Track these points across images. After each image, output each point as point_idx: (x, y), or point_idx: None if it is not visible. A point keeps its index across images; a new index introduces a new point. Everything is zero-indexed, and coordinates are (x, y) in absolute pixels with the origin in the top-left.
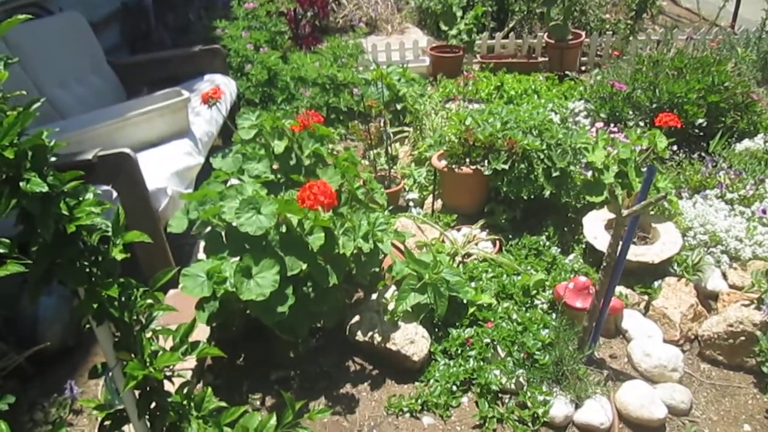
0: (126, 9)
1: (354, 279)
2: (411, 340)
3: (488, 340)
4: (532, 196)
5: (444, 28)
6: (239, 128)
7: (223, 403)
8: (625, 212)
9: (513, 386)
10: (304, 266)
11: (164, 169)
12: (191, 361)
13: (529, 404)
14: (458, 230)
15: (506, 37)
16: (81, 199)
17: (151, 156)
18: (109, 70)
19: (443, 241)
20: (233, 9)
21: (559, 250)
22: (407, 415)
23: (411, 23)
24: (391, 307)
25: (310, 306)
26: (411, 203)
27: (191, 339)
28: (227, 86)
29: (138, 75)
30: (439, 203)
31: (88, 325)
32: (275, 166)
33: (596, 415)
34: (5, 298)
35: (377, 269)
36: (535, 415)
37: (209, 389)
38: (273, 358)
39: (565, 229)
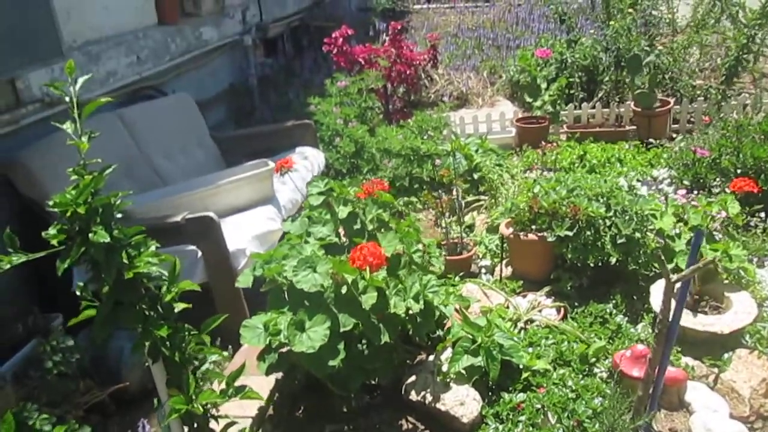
0: (233, 89)
1: (411, 340)
2: (461, 401)
3: (539, 406)
4: (599, 263)
5: (528, 99)
6: (309, 195)
7: None
8: (674, 277)
9: None
10: (357, 323)
11: (246, 232)
12: (252, 410)
13: None
14: (524, 297)
15: (594, 106)
16: (142, 250)
17: (237, 220)
18: (212, 144)
19: (507, 307)
20: (327, 87)
21: (626, 319)
22: None
23: (502, 96)
24: (445, 368)
25: (363, 362)
26: (483, 270)
27: (256, 389)
28: (316, 158)
29: (237, 148)
30: (508, 270)
31: (147, 363)
32: (341, 230)
33: None
34: (95, 341)
35: (437, 331)
36: None
37: (245, 429)
38: (328, 412)
39: (635, 297)
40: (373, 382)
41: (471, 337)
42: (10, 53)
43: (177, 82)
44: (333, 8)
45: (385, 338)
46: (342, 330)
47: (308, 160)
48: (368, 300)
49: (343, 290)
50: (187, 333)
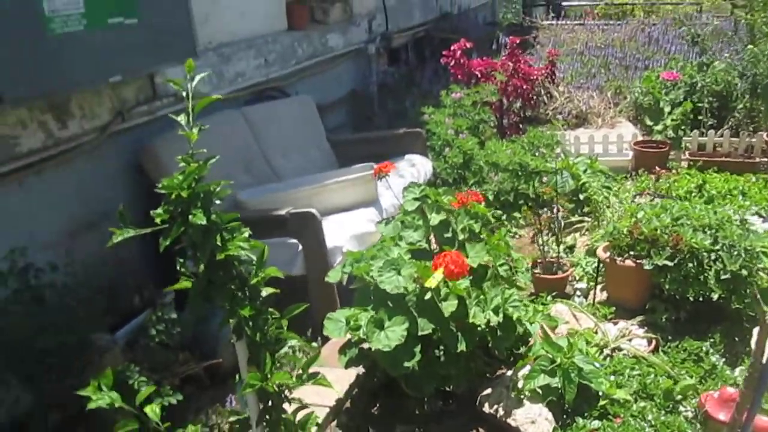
0: (354, 95)
1: (491, 352)
2: (532, 420)
3: None
4: (700, 298)
5: (649, 123)
6: (404, 200)
7: None
8: None
9: None
10: (435, 329)
11: (346, 231)
12: (330, 400)
13: None
14: (615, 323)
15: (722, 134)
16: (235, 235)
17: (340, 219)
18: (328, 146)
19: (596, 333)
20: (442, 98)
21: (723, 360)
22: None
23: (624, 118)
24: (520, 384)
25: (438, 367)
26: (578, 292)
27: (337, 381)
28: (423, 166)
29: (351, 151)
30: (603, 295)
31: (232, 341)
32: (432, 237)
33: None
34: (198, 319)
35: (517, 347)
36: None
37: (313, 414)
38: (402, 413)
39: (736, 338)
40: (447, 389)
41: (550, 356)
42: (150, 52)
43: (301, 85)
44: (460, 21)
45: (462, 346)
46: (420, 333)
47: (415, 167)
48: (448, 307)
49: (426, 296)
50: (269, 316)
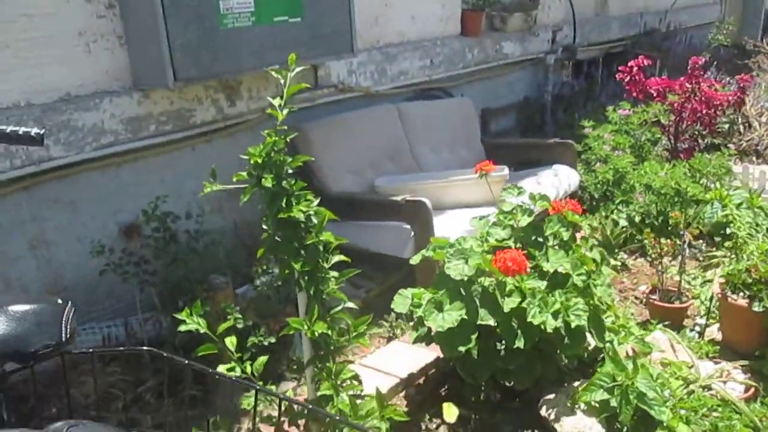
0: (526, 102)
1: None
2: (581, 431)
3: None
4: None
5: None
6: (501, 200)
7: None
8: None
9: None
10: (493, 322)
11: (460, 225)
12: (404, 372)
13: None
14: (716, 363)
15: None
16: (300, 200)
17: (459, 214)
18: (480, 147)
19: (690, 368)
20: (608, 114)
21: None
22: None
23: None
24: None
25: (496, 360)
26: (697, 327)
27: (419, 357)
28: (568, 178)
29: (501, 154)
30: (720, 335)
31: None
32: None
33: None
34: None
35: (585, 359)
36: None
37: (347, 366)
38: (463, 398)
39: None
40: (507, 384)
41: (613, 374)
42: (315, 46)
43: (467, 88)
44: (666, 39)
45: (520, 343)
46: (478, 323)
47: (558, 177)
48: (509, 303)
49: (490, 288)
50: (325, 275)
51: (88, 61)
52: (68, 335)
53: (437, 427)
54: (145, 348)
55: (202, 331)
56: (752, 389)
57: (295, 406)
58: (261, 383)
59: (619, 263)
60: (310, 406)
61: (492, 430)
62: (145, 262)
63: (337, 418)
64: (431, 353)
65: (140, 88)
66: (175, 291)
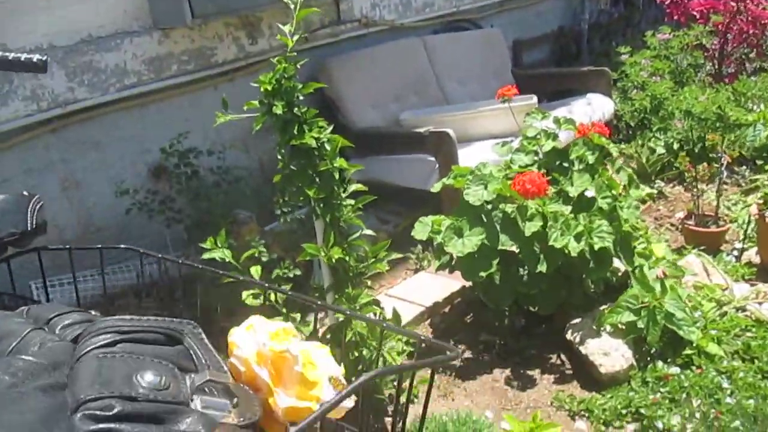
0: (561, 32)
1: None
2: (605, 352)
3: (686, 384)
4: None
5: None
6: (526, 125)
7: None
8: None
9: None
10: (514, 247)
11: (485, 156)
12: (429, 301)
13: None
14: (752, 285)
15: None
16: (312, 128)
17: (485, 145)
18: (510, 78)
19: (725, 290)
20: (647, 39)
21: None
22: (565, 412)
23: None
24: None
25: (518, 285)
26: (735, 252)
27: (442, 286)
28: (601, 106)
29: (533, 85)
30: (758, 258)
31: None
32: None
33: None
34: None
35: (612, 282)
36: None
37: (365, 290)
38: (487, 324)
39: None
40: (531, 309)
41: (640, 296)
42: None
43: (497, 18)
44: None
45: (542, 268)
46: (499, 248)
47: (591, 106)
48: (531, 227)
49: (511, 213)
50: (339, 202)
51: (106, 1)
52: (34, 225)
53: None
54: (122, 246)
55: (227, 259)
56: None
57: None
58: (285, 311)
59: (655, 191)
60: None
61: (517, 355)
62: (171, 200)
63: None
64: (457, 282)
65: (160, 27)
66: (201, 226)
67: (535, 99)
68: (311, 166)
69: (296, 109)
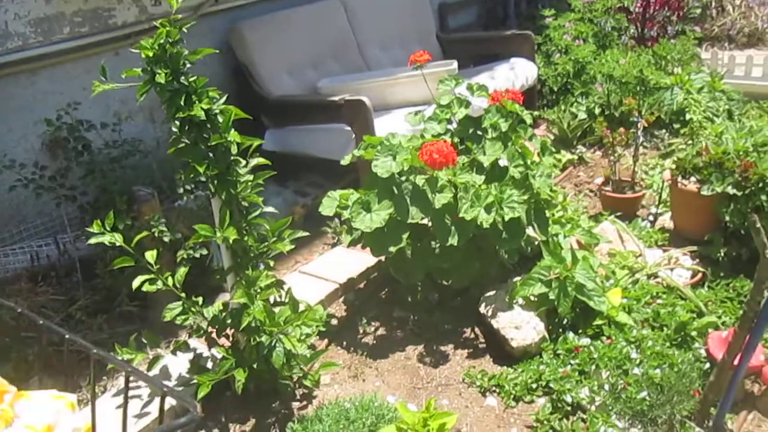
0: None
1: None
2: (517, 326)
3: (595, 355)
4: None
5: None
6: (440, 92)
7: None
8: None
9: (593, 408)
10: (426, 220)
11: (405, 125)
12: (343, 278)
13: (584, 427)
14: (664, 250)
15: None
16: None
17: (404, 113)
18: (435, 42)
19: (638, 257)
20: (570, 1)
21: None
22: (476, 388)
23: None
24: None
25: (430, 259)
26: (650, 217)
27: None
28: (525, 71)
29: (458, 50)
30: (671, 223)
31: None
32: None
33: None
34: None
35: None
36: None
37: (265, 272)
38: (400, 300)
39: None
40: (445, 283)
41: (552, 267)
42: None
43: None
44: None
45: (453, 241)
46: (409, 221)
47: (514, 71)
48: (440, 199)
49: (421, 185)
50: (235, 178)
51: None
52: None
53: (375, 330)
54: None
55: (117, 243)
56: (699, 275)
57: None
58: (184, 295)
59: (576, 157)
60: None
61: (430, 330)
62: (61, 176)
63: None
64: (373, 257)
65: None
66: (96, 205)
67: (455, 64)
68: (202, 140)
69: (183, 77)
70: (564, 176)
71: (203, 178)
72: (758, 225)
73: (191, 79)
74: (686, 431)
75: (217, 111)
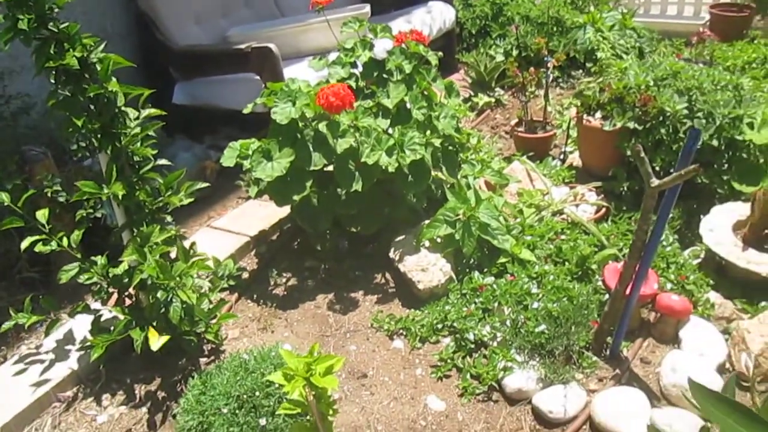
0: None
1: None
2: (423, 268)
3: (498, 293)
4: (670, 171)
5: None
6: (342, 36)
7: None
8: (654, 183)
9: (495, 344)
10: (327, 166)
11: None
12: (254, 231)
13: (485, 363)
14: (571, 187)
15: None
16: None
17: None
18: None
19: (545, 195)
20: None
21: (676, 237)
22: (384, 332)
23: None
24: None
25: (336, 206)
26: (561, 155)
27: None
28: (442, 14)
29: None
30: (580, 160)
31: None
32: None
33: (553, 402)
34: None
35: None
36: (486, 375)
37: (157, 227)
38: (311, 250)
39: (702, 216)
40: (354, 230)
41: (456, 209)
42: None
43: None
44: None
45: (357, 186)
46: (311, 168)
47: (431, 14)
48: (342, 144)
49: (323, 130)
50: (120, 130)
51: None
52: None
53: (287, 281)
54: None
55: (6, 203)
56: (603, 209)
57: None
58: (80, 255)
59: (493, 99)
60: None
61: (341, 277)
62: None
63: None
64: (285, 208)
65: None
66: None
67: (367, 8)
68: (81, 92)
69: (52, 23)
70: (481, 119)
71: (84, 132)
72: (642, 154)
73: (62, 26)
74: (583, 360)
75: (95, 60)
